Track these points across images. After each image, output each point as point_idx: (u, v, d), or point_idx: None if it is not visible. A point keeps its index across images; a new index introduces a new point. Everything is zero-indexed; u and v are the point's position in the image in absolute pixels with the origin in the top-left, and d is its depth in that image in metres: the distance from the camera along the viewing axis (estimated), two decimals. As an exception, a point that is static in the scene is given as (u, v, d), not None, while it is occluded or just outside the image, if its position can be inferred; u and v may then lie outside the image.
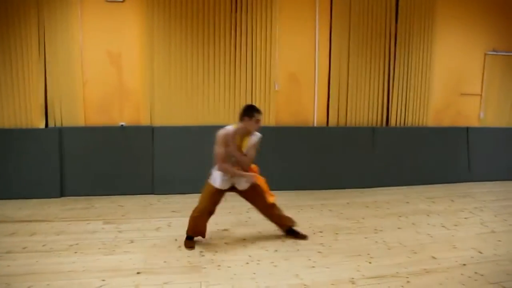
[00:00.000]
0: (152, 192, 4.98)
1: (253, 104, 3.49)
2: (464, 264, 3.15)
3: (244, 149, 3.39)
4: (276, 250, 3.37)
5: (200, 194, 3.44)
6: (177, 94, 5.09)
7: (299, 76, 5.49)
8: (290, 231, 3.67)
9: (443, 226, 4.03)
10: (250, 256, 3.26)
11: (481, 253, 3.38)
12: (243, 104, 5.19)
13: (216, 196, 3.40)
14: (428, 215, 4.38)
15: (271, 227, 3.92)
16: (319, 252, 3.36)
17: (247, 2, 5.15)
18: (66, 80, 4.82)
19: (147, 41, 4.97)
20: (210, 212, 3.42)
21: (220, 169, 3.29)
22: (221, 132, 3.28)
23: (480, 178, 5.97)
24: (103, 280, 2.79)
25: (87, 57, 4.89)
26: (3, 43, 4.65)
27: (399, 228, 3.97)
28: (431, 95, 5.85)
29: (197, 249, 3.37)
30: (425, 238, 3.71)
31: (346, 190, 5.40)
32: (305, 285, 2.79)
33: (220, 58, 5.14)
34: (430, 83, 5.81)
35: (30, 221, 3.97)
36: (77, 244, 3.41)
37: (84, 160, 4.85)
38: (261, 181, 3.45)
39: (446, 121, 6.05)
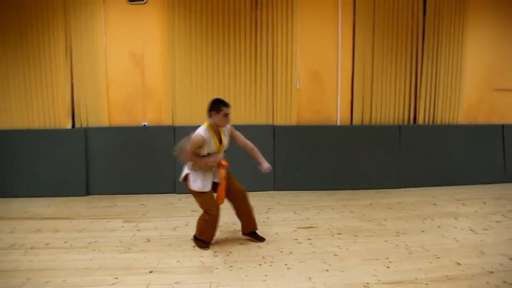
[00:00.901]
0: (174, 191, 5.06)
1: (221, 98, 3.38)
2: (492, 272, 2.93)
3: (224, 148, 3.36)
4: (291, 252, 3.31)
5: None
6: (198, 94, 5.13)
7: (322, 73, 5.36)
8: (251, 234, 3.60)
9: (471, 230, 3.78)
10: (263, 257, 3.21)
11: (512, 260, 3.17)
12: (264, 103, 5.20)
13: (211, 197, 3.34)
14: (456, 218, 4.13)
15: (288, 228, 3.87)
16: (335, 255, 3.25)
17: (268, 0, 5.10)
18: (91, 82, 5.00)
19: (168, 42, 5.05)
20: (219, 212, 3.39)
21: (185, 159, 3.23)
22: (197, 137, 3.17)
23: (517, 179, 5.59)
24: (116, 278, 2.85)
25: (111, 59, 5.05)
26: (33, 48, 4.91)
27: (423, 231, 3.77)
28: (462, 91, 5.52)
29: (211, 249, 3.37)
30: (450, 242, 3.49)
31: (370, 191, 5.21)
32: (317, 288, 2.73)
33: (240, 57, 5.12)
34: (461, 78, 5.48)
35: (56, 218, 4.15)
36: (96, 241, 3.52)
37: (108, 160, 5.01)
38: (222, 180, 3.33)
39: (480, 118, 5.69)
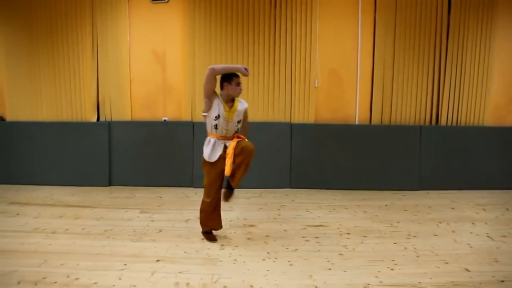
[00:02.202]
0: (191, 185, 5.19)
1: None
2: (502, 281, 2.81)
3: (236, 117, 3.37)
4: (297, 249, 3.33)
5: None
6: (218, 90, 5.18)
7: (341, 71, 5.30)
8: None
9: (488, 237, 3.64)
10: (268, 253, 3.26)
11: (527, 269, 3.02)
12: (282, 100, 5.22)
13: (216, 177, 3.37)
14: (473, 223, 3.98)
15: (298, 226, 3.90)
16: (340, 254, 3.25)
17: (287, -2, 5.13)
18: (115, 78, 5.23)
19: (189, 40, 5.18)
20: (215, 205, 3.44)
21: (212, 69, 3.24)
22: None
23: (550, 185, 5.26)
24: (125, 264, 3.00)
25: (134, 57, 5.26)
26: (62, 45, 5.21)
27: (435, 235, 3.66)
28: (489, 91, 5.25)
29: (219, 242, 3.46)
30: (463, 248, 3.38)
31: (388, 192, 5.10)
32: (316, 286, 2.72)
33: (259, 55, 5.17)
34: (489, 77, 5.21)
35: (78, 206, 4.40)
36: (111, 229, 3.71)
37: (130, 153, 5.22)
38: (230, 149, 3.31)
39: (508, 121, 5.39)
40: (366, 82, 5.30)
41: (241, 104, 3.42)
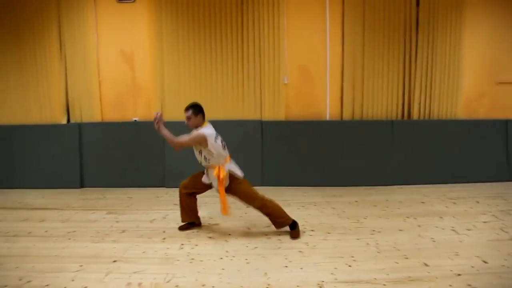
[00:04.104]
0: (163, 185, 5.17)
1: (195, 102, 3.57)
2: (459, 274, 2.79)
3: (196, 150, 3.51)
4: (256, 247, 3.30)
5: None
6: (186, 90, 5.21)
7: (310, 67, 5.28)
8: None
9: (453, 230, 3.61)
10: (227, 251, 3.24)
11: (486, 262, 2.97)
12: (252, 98, 5.20)
13: (190, 177, 3.66)
14: (441, 217, 3.96)
15: (262, 223, 3.86)
16: (300, 251, 3.22)
17: (255, -5, 5.09)
18: (84, 80, 5.20)
19: (156, 39, 5.16)
20: (182, 188, 3.67)
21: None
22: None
23: (522, 177, 5.23)
24: (81, 266, 2.97)
25: (102, 57, 5.23)
26: (29, 47, 5.18)
27: (400, 230, 3.64)
28: (460, 85, 5.25)
29: (179, 241, 3.44)
30: (425, 242, 3.35)
31: (360, 187, 5.08)
32: (268, 284, 2.69)
33: (227, 52, 5.15)
34: (459, 71, 5.21)
35: (45, 209, 4.37)
36: (74, 231, 3.68)
37: (101, 154, 5.20)
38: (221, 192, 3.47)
39: (480, 113, 5.38)
40: (336, 78, 5.28)
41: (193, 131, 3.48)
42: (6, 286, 2.69)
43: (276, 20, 5.09)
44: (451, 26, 5.14)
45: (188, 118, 3.44)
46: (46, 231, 3.68)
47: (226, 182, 3.45)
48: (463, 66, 5.24)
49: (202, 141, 3.35)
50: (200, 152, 3.44)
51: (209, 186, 3.58)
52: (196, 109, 3.45)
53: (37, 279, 2.78)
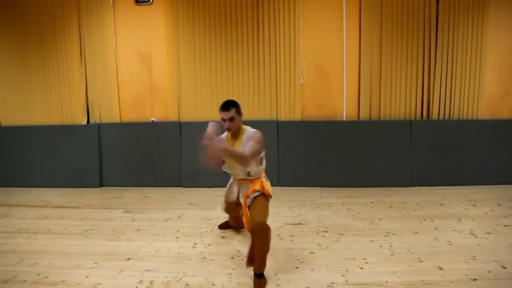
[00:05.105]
0: (179, 185, 5.25)
1: (227, 100, 2.94)
2: (475, 279, 2.70)
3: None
4: (268, 248, 3.32)
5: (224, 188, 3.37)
6: (203, 90, 5.25)
7: (327, 67, 5.21)
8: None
9: (471, 233, 3.50)
10: (238, 251, 3.25)
11: (504, 268, 2.86)
12: (268, 98, 5.20)
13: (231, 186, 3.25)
14: (459, 220, 3.83)
15: (276, 224, 3.84)
16: (311, 252, 3.19)
17: (270, -5, 5.08)
18: (103, 81, 5.34)
19: (173, 41, 5.23)
20: (227, 204, 3.34)
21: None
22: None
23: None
24: (95, 263, 3.06)
25: (121, 59, 5.35)
26: (51, 51, 5.37)
27: (416, 232, 3.55)
28: (483, 84, 5.04)
29: (192, 240, 3.48)
30: (441, 245, 3.26)
31: (377, 188, 4.99)
32: (278, 285, 2.69)
33: (244, 53, 5.16)
34: (482, 69, 5.01)
35: (65, 207, 4.51)
36: (91, 229, 3.78)
37: (119, 154, 5.32)
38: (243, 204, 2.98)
39: (504, 113, 5.16)
40: (353, 77, 5.19)
41: (244, 139, 2.89)
42: (25, 281, 2.80)
43: (292, 19, 5.06)
44: (473, 22, 4.96)
45: (231, 118, 2.82)
46: (64, 229, 3.81)
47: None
48: (486, 64, 5.04)
49: (263, 144, 2.85)
50: None
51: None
52: (238, 107, 2.88)
53: (54, 275, 2.88)
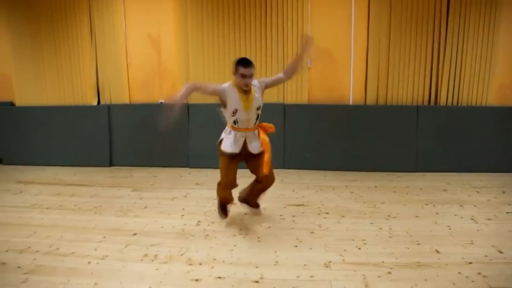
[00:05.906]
0: (187, 165, 5.37)
1: (245, 57, 3.02)
2: (470, 263, 2.74)
3: (255, 106, 3.08)
4: (269, 227, 3.39)
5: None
6: (210, 72, 5.30)
7: (334, 51, 5.19)
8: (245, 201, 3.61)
9: (472, 219, 3.52)
10: (241, 229, 3.35)
11: (501, 252, 2.88)
12: (275, 81, 5.20)
13: (230, 166, 3.16)
14: (461, 206, 3.85)
15: (279, 205, 3.94)
16: (311, 232, 3.27)
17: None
18: (113, 63, 5.45)
19: (181, 23, 5.27)
20: (231, 186, 3.31)
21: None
22: (217, 84, 3.09)
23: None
24: (104, 237, 3.20)
25: (130, 42, 5.43)
26: (62, 34, 5.47)
27: (416, 216, 3.59)
28: (493, 70, 4.95)
29: (196, 218, 3.58)
30: (441, 229, 3.29)
31: (382, 173, 5.01)
32: (276, 262, 2.78)
33: (251, 36, 5.16)
34: (493, 55, 4.92)
35: (76, 185, 4.68)
36: (101, 206, 3.93)
37: (129, 134, 5.44)
38: (267, 147, 3.14)
39: (514, 100, 5.11)
40: (360, 61, 5.16)
41: (257, 90, 3.07)
42: (38, 251, 2.95)
43: (300, 4, 5.03)
44: (485, 8, 4.84)
45: (251, 75, 2.95)
46: (75, 205, 3.97)
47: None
48: (497, 50, 4.94)
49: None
50: (258, 108, 3.11)
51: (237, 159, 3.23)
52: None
53: (65, 247, 3.02)
